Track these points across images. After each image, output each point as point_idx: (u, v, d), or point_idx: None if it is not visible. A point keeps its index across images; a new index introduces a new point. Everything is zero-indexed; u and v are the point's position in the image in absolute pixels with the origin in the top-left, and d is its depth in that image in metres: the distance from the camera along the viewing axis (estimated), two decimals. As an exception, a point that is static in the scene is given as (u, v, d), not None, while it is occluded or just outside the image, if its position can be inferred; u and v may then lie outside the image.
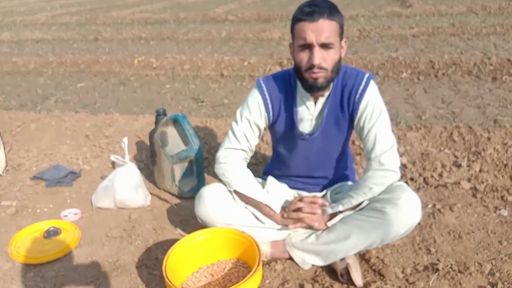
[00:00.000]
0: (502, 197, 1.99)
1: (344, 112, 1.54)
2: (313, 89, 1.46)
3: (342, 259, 1.53)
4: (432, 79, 3.79)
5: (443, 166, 2.24)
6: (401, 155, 2.37)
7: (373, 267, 1.58)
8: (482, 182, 2.09)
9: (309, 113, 1.56)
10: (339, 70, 1.47)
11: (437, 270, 1.53)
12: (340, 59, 1.44)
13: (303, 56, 1.40)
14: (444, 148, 2.42)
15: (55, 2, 13.22)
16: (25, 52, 6.02)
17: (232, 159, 1.61)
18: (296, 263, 1.59)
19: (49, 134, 2.94)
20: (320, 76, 1.40)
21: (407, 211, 1.43)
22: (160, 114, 2.22)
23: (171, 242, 1.58)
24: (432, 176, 2.17)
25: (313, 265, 1.58)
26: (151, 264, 1.67)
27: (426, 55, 4.30)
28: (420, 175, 2.20)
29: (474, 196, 2.02)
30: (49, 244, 1.79)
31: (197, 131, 2.73)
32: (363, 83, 1.49)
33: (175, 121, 2.12)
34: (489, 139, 2.40)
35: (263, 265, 1.59)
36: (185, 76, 4.44)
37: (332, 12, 1.37)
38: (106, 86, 4.27)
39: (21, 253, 1.74)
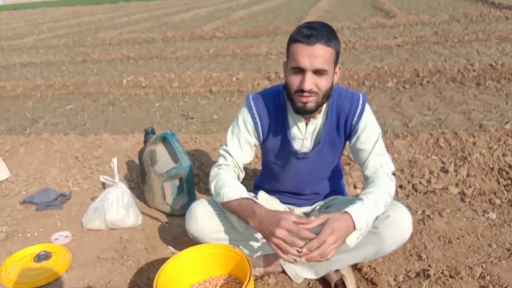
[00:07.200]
0: (490, 200, 2.01)
1: (340, 134, 1.54)
2: (301, 112, 1.44)
3: (337, 270, 1.53)
4: (418, 87, 3.85)
5: (431, 172, 2.27)
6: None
7: (366, 276, 1.59)
8: (470, 187, 2.12)
9: (300, 134, 1.55)
10: (330, 96, 1.44)
11: (428, 276, 1.54)
12: (332, 86, 1.41)
13: (295, 78, 1.36)
14: (431, 155, 2.44)
15: (43, 25, 13.27)
16: (13, 76, 6.01)
17: (221, 173, 1.56)
18: (289, 277, 1.60)
19: (38, 158, 2.92)
20: (310, 101, 1.37)
21: (398, 226, 1.43)
22: (148, 133, 2.23)
23: (163, 261, 1.56)
24: (420, 183, 2.20)
25: (305, 278, 1.58)
26: (143, 284, 1.66)
27: (411, 63, 4.37)
28: (408, 182, 2.23)
29: (462, 200, 2.04)
30: (40, 269, 1.77)
31: (187, 148, 2.74)
32: (359, 106, 1.49)
33: (164, 139, 2.12)
34: (474, 143, 2.44)
35: (255, 280, 1.58)
36: (174, 94, 4.46)
37: (331, 38, 1.33)
38: (95, 107, 4.28)
39: (12, 279, 1.72)
